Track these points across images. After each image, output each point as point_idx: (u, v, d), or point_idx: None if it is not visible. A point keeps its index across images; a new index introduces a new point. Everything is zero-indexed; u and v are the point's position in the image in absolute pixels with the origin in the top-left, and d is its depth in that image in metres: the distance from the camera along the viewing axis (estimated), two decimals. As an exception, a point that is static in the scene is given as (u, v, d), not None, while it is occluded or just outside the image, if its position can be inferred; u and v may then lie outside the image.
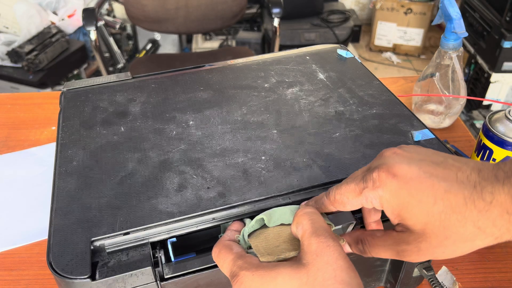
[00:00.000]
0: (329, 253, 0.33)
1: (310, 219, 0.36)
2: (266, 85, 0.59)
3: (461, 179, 0.32)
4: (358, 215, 0.44)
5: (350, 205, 0.37)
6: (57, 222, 0.41)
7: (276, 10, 1.53)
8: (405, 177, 0.33)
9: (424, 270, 0.52)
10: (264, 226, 0.40)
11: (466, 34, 0.71)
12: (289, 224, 0.39)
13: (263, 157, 0.47)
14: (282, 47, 1.93)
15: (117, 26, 2.49)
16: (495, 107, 2.16)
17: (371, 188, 0.34)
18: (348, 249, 0.40)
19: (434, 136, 0.49)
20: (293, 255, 0.37)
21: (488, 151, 0.55)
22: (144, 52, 2.64)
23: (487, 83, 2.08)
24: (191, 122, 0.52)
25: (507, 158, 0.54)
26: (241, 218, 0.41)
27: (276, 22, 1.55)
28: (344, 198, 0.36)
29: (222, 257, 0.37)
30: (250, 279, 0.34)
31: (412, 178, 0.33)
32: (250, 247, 0.39)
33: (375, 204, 0.35)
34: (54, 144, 0.80)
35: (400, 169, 0.33)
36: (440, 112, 0.82)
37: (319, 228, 0.35)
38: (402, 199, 0.33)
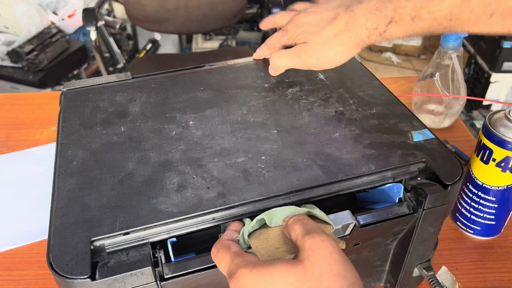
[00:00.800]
0: (324, 248, 0.34)
1: (301, 223, 0.37)
2: (266, 85, 0.59)
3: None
4: (357, 215, 0.44)
5: (281, 62, 0.59)
6: (57, 222, 0.41)
7: (276, 10, 1.53)
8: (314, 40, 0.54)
9: (424, 270, 0.52)
10: (264, 225, 0.40)
11: (466, 34, 0.71)
12: None
13: (263, 157, 0.47)
14: (282, 47, 1.92)
15: (117, 26, 2.49)
16: (495, 107, 2.16)
17: (287, 39, 0.58)
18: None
19: (434, 136, 0.49)
20: (293, 257, 0.37)
21: (488, 151, 0.55)
22: (144, 52, 2.64)
23: (487, 83, 2.08)
24: (191, 122, 0.52)
25: (507, 158, 0.54)
26: (240, 218, 0.41)
27: (276, 22, 1.55)
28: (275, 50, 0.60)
29: (220, 256, 0.37)
30: (247, 277, 0.34)
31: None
32: (249, 247, 0.39)
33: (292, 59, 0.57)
34: (54, 144, 0.80)
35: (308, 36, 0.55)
36: (440, 112, 0.82)
37: (310, 228, 0.36)
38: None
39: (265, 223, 0.40)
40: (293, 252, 0.37)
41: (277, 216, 0.40)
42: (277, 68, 0.59)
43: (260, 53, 0.64)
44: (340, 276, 0.33)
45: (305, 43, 0.53)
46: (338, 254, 0.34)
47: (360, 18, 0.48)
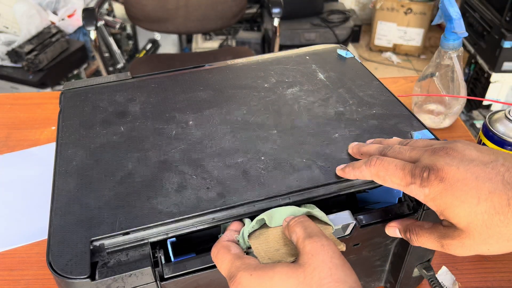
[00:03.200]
0: (324, 252, 0.34)
1: (302, 226, 0.37)
2: (266, 85, 0.59)
3: (508, 180, 0.33)
4: (357, 215, 0.44)
5: (390, 185, 0.39)
6: (56, 222, 0.41)
7: (276, 10, 1.53)
8: (452, 179, 0.34)
9: (424, 270, 0.52)
10: (264, 226, 0.40)
11: (466, 34, 0.71)
12: None
13: (262, 157, 0.47)
14: (282, 47, 1.93)
15: (117, 26, 2.49)
16: (495, 107, 2.16)
17: (418, 185, 0.36)
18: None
19: (433, 137, 0.49)
20: (293, 260, 0.37)
21: (488, 151, 0.55)
22: (144, 52, 2.64)
23: (487, 83, 2.08)
24: (190, 122, 0.52)
25: (507, 158, 0.54)
26: (240, 219, 0.41)
27: (276, 22, 1.55)
28: (388, 178, 0.38)
29: (220, 257, 0.37)
30: (247, 280, 0.34)
31: (458, 180, 0.34)
32: (249, 248, 0.39)
33: (419, 198, 0.37)
34: (54, 144, 0.80)
35: (449, 172, 0.35)
36: (440, 112, 0.82)
37: (311, 231, 0.36)
38: (445, 199, 0.35)
39: (265, 223, 0.40)
40: (293, 254, 0.37)
41: (276, 216, 0.40)
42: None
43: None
44: (340, 281, 0.33)
45: None
46: (338, 259, 0.34)
47: None
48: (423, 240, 0.39)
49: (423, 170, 0.36)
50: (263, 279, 0.34)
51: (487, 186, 0.33)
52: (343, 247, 0.38)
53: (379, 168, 0.39)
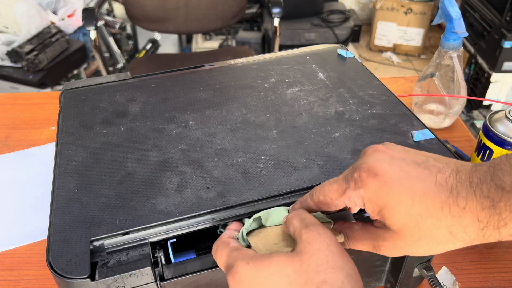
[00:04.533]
0: (320, 240, 0.34)
1: (299, 218, 0.37)
2: (266, 85, 0.59)
3: (440, 181, 0.32)
4: (357, 214, 0.43)
5: (334, 206, 0.37)
6: (56, 222, 0.40)
7: (276, 10, 1.53)
8: (385, 176, 0.33)
9: (424, 270, 0.52)
10: (262, 226, 0.40)
11: (466, 34, 0.71)
12: None
13: (262, 157, 0.47)
14: (282, 47, 1.93)
15: (117, 26, 2.49)
16: (495, 107, 2.15)
17: (353, 188, 0.35)
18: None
19: (434, 136, 0.49)
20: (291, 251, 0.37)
21: (488, 151, 0.55)
22: (144, 52, 2.64)
23: (487, 83, 2.08)
24: (191, 122, 0.52)
25: (507, 158, 0.54)
26: (240, 218, 0.41)
27: (276, 22, 1.55)
28: (328, 198, 0.37)
29: (220, 252, 0.37)
30: (244, 269, 0.34)
31: (392, 178, 0.33)
32: (248, 246, 0.39)
33: (357, 203, 0.35)
34: (54, 144, 0.80)
35: (381, 168, 0.34)
36: (440, 112, 0.82)
37: (308, 222, 0.36)
38: (382, 199, 0.33)
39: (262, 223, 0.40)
40: (291, 246, 0.37)
41: (273, 216, 0.40)
42: None
43: None
44: (336, 267, 0.32)
45: None
46: (335, 246, 0.34)
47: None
48: (355, 242, 0.39)
49: (354, 170, 0.35)
50: (260, 267, 0.34)
51: (421, 187, 0.32)
52: (341, 238, 0.38)
53: (318, 193, 0.37)
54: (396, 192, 0.33)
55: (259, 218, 0.40)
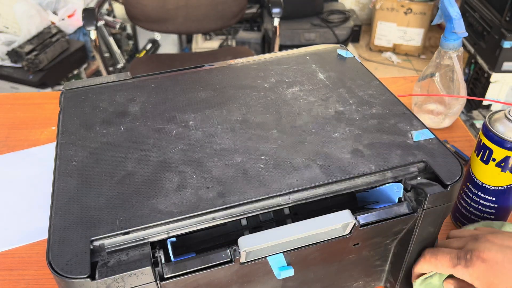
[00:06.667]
0: None
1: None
2: (266, 85, 0.59)
3: None
4: (357, 215, 0.44)
5: (441, 270, 0.48)
6: (56, 221, 0.41)
7: (276, 10, 1.53)
8: (492, 261, 0.44)
9: (424, 270, 0.52)
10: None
11: (466, 34, 0.71)
12: None
13: (263, 157, 0.47)
14: (282, 47, 1.93)
15: (117, 26, 2.49)
16: (495, 107, 2.16)
17: (463, 266, 0.45)
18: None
19: (434, 136, 0.49)
20: None
21: (488, 151, 0.55)
22: (144, 52, 2.64)
23: (487, 83, 2.08)
24: (191, 122, 0.52)
25: (507, 158, 0.54)
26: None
27: (276, 22, 1.55)
28: (439, 263, 0.47)
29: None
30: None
31: (497, 262, 0.43)
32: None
33: (465, 278, 0.45)
34: (54, 144, 0.80)
35: (489, 255, 0.44)
36: (440, 112, 0.82)
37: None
38: (488, 279, 0.44)
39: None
40: None
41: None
42: None
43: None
44: None
45: None
46: None
47: None
48: None
49: (467, 253, 0.45)
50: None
51: None
52: None
53: (431, 256, 0.48)
54: (500, 273, 0.43)
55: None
